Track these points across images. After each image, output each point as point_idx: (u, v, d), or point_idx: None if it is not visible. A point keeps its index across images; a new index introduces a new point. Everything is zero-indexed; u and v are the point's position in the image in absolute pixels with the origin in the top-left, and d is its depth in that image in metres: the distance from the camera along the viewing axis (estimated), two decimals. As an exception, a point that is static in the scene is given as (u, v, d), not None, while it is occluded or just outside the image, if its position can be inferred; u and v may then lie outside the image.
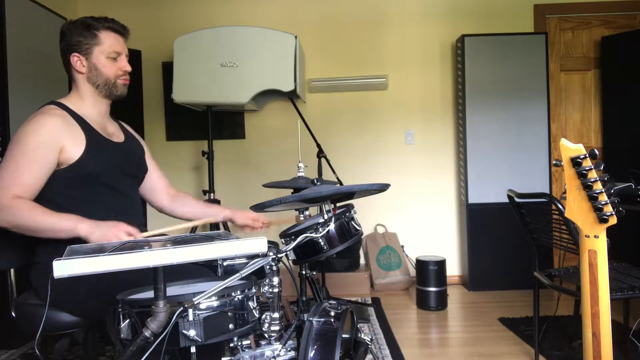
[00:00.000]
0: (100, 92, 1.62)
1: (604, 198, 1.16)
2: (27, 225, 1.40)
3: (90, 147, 1.54)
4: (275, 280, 1.38)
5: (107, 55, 1.59)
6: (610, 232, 1.20)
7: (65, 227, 1.39)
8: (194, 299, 1.08)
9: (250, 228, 1.85)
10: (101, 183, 1.57)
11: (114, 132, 1.71)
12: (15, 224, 1.40)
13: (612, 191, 1.16)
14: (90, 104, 1.62)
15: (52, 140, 1.47)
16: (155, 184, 1.87)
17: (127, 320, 1.10)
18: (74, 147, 1.51)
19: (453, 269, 3.85)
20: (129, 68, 1.64)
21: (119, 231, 1.38)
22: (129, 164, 1.70)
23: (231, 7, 3.88)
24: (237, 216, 1.83)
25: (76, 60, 1.58)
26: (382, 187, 1.49)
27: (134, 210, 1.70)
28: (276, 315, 1.36)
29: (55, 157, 1.48)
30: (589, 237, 1.20)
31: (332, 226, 1.51)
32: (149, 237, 1.45)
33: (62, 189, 1.51)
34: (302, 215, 2.04)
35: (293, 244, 1.48)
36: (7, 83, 2.59)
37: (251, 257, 1.46)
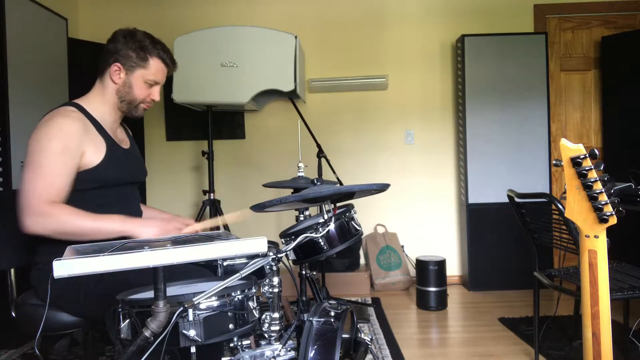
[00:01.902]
0: (121, 107, 1.63)
1: (604, 198, 1.16)
2: (69, 231, 1.40)
3: (109, 155, 1.55)
4: (275, 280, 1.38)
5: (146, 81, 1.60)
6: (610, 232, 1.20)
7: (113, 229, 1.41)
8: (194, 299, 1.08)
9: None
10: (111, 188, 1.58)
11: (123, 139, 1.72)
12: (56, 230, 1.39)
13: (612, 191, 1.16)
14: (109, 111, 1.63)
15: (76, 145, 1.47)
16: None
17: (127, 320, 1.10)
18: (94, 153, 1.52)
19: (453, 269, 3.85)
20: (157, 98, 1.67)
21: (170, 227, 1.43)
22: (135, 170, 1.72)
23: (231, 7, 3.88)
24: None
25: (116, 70, 1.58)
26: (382, 187, 1.49)
27: (136, 214, 1.71)
28: (276, 315, 1.36)
29: (79, 162, 1.48)
30: (589, 237, 1.20)
31: (332, 226, 1.51)
32: (207, 228, 1.53)
33: (72, 192, 1.51)
34: (302, 215, 2.04)
35: (293, 244, 1.48)
36: (7, 83, 2.59)
37: (251, 257, 1.46)
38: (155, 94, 1.65)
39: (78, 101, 1.60)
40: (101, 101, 1.61)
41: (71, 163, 1.46)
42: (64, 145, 1.44)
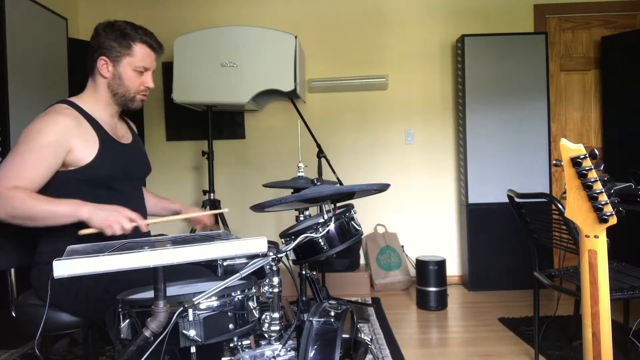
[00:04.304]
0: (115, 100, 1.61)
1: (604, 198, 1.16)
2: (25, 214, 1.36)
3: (103, 151, 1.53)
4: (275, 280, 1.38)
5: (135, 68, 1.58)
6: (610, 232, 1.20)
7: (66, 212, 1.36)
8: (194, 299, 1.08)
9: (197, 224, 1.80)
10: (109, 186, 1.56)
11: (124, 134, 1.71)
12: (12, 213, 1.36)
13: (612, 191, 1.16)
14: (103, 107, 1.62)
15: (62, 140, 1.45)
16: None
17: (127, 320, 1.10)
18: (85, 150, 1.50)
19: (453, 269, 3.85)
20: (151, 85, 1.63)
21: (120, 216, 1.36)
22: (136, 166, 1.70)
23: (231, 7, 3.88)
24: (184, 212, 1.80)
25: (102, 63, 1.57)
26: (382, 187, 1.49)
27: (139, 211, 1.70)
28: (276, 315, 1.36)
29: (62, 158, 1.47)
30: (589, 237, 1.20)
31: (332, 226, 1.51)
32: (150, 224, 1.46)
33: (68, 191, 1.50)
34: (302, 215, 2.04)
35: (293, 244, 1.48)
36: (7, 83, 2.59)
37: (251, 257, 1.46)
38: (148, 80, 1.62)
39: (73, 99, 1.60)
40: (94, 99, 1.60)
41: (53, 158, 1.44)
42: (49, 139, 1.43)
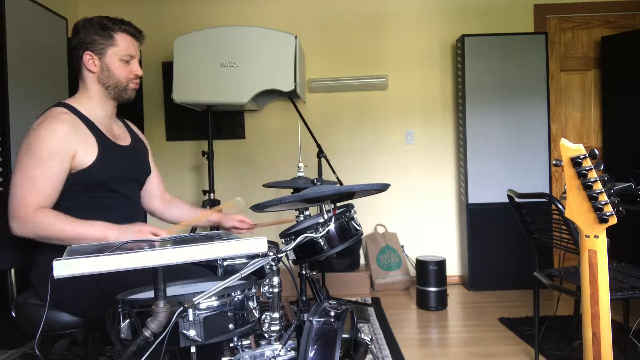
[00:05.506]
0: (109, 94, 1.60)
1: (604, 198, 1.16)
2: (54, 236, 1.40)
3: (102, 154, 1.54)
4: (275, 280, 1.38)
5: (121, 58, 1.58)
6: (610, 232, 1.20)
7: (95, 236, 1.39)
8: (194, 299, 1.08)
9: (237, 230, 1.86)
10: (107, 188, 1.57)
11: (120, 134, 1.70)
12: (41, 235, 1.41)
13: (612, 191, 1.16)
14: (98, 105, 1.61)
15: (65, 147, 1.46)
16: (153, 189, 1.87)
17: (127, 320, 1.10)
18: (85, 154, 1.50)
19: (453, 269, 3.85)
20: (140, 72, 1.64)
21: (144, 235, 1.39)
22: (135, 168, 1.70)
23: (231, 7, 3.88)
24: (224, 219, 1.87)
25: (88, 58, 1.56)
26: (382, 187, 1.49)
27: (137, 213, 1.70)
28: (276, 315, 1.36)
29: (69, 164, 1.47)
30: (589, 237, 1.20)
31: (332, 226, 1.51)
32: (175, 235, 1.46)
33: (67, 193, 1.50)
34: (302, 215, 2.04)
35: (293, 244, 1.48)
36: (7, 83, 2.59)
37: (251, 257, 1.46)
38: (137, 68, 1.62)
39: (69, 101, 1.59)
40: (88, 98, 1.60)
41: (59, 167, 1.45)
42: (51, 150, 1.44)
